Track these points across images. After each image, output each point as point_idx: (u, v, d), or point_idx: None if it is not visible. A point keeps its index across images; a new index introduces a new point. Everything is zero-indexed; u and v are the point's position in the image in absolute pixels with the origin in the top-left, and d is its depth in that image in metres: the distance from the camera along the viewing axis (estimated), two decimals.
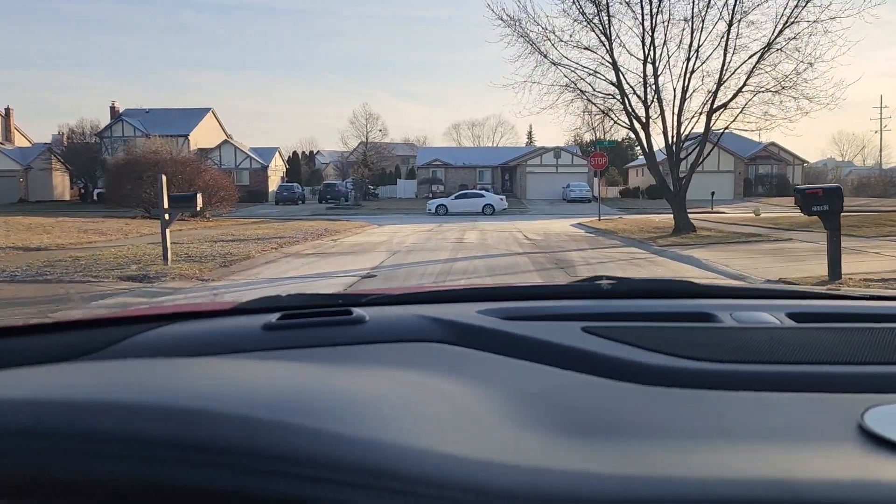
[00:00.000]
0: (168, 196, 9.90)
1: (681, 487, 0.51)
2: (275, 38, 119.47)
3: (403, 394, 0.69)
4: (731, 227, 20.17)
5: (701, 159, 18.09)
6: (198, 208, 9.83)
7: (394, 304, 1.18)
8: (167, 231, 10.00)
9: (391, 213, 37.52)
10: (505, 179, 55.01)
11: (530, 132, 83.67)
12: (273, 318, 1.01)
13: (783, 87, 16.40)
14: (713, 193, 39.17)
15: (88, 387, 0.63)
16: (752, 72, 16.62)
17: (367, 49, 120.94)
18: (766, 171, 52.41)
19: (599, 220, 25.44)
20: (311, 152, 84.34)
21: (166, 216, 9.90)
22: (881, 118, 68.77)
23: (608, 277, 1.37)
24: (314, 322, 1.00)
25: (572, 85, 18.28)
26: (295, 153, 57.52)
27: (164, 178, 9.99)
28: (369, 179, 53.35)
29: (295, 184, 48.15)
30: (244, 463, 0.50)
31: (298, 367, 0.79)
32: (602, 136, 74.68)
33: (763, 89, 16.70)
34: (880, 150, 70.14)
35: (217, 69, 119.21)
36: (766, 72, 16.60)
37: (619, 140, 77.89)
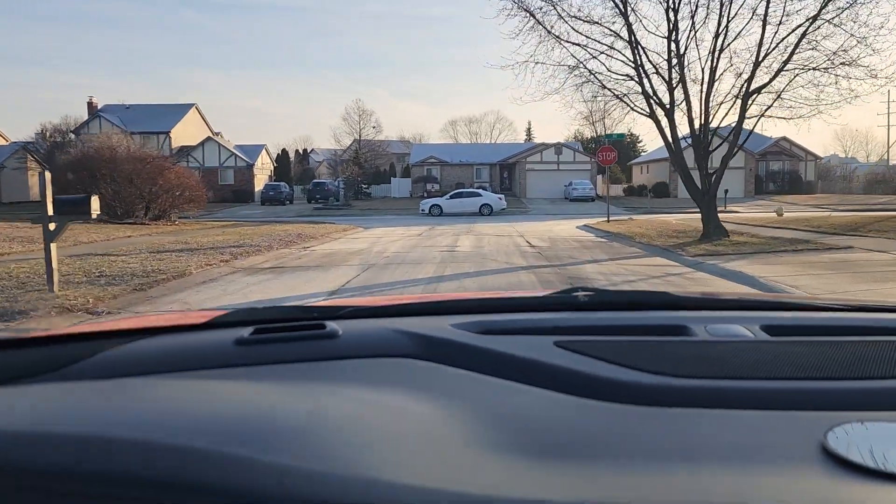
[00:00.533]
0: (53, 199, 7.35)
1: None
2: (274, 36, 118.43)
3: (367, 416, 0.69)
4: (761, 230, 17.65)
5: (735, 150, 15.54)
6: (92, 215, 7.30)
7: (369, 317, 1.18)
8: (52, 246, 7.44)
9: (382, 213, 35.12)
10: (504, 177, 52.47)
11: (529, 129, 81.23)
12: (246, 332, 1.01)
13: (837, 64, 13.83)
14: (727, 191, 36.65)
15: (29, 414, 0.62)
16: (797, 45, 14.06)
17: (367, 47, 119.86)
18: (777, 168, 49.89)
19: (608, 221, 22.95)
20: (304, 150, 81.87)
21: (51, 225, 7.35)
22: (888, 113, 66.23)
23: (584, 289, 1.36)
24: (287, 337, 0.99)
25: (581, 65, 15.74)
26: (284, 151, 54.81)
27: (47, 176, 7.41)
28: (362, 178, 50.80)
29: (282, 183, 45.51)
30: (182, 498, 0.49)
31: (265, 387, 0.78)
32: (604, 131, 72.31)
33: (812, 67, 14.14)
34: (888, 146, 67.73)
35: (216, 67, 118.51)
36: (814, 47, 14.04)
37: (623, 135, 75.87)
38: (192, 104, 50.29)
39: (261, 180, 47.89)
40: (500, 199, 33.49)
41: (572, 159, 47.69)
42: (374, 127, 70.85)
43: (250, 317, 1.15)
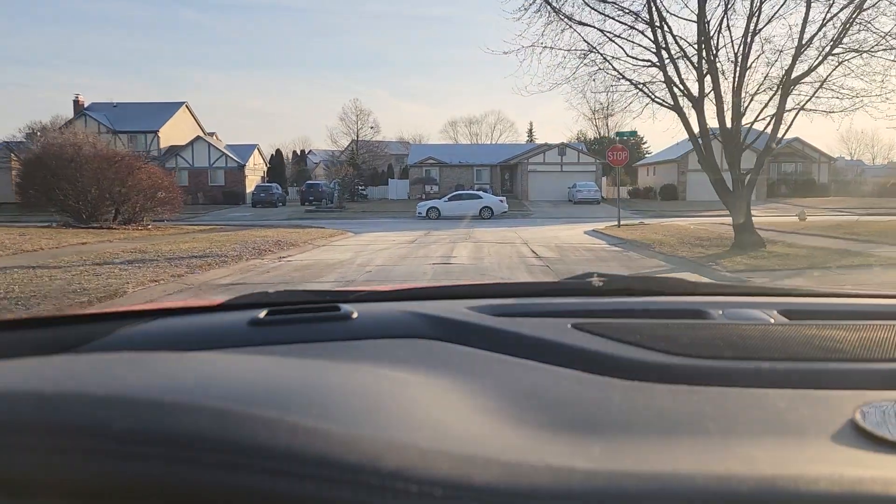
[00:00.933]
0: None
1: (668, 483, 0.50)
2: (273, 37, 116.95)
3: (388, 389, 0.69)
4: (795, 237, 15.79)
5: (775, 144, 13.67)
6: None
7: (382, 301, 1.17)
8: None
9: (376, 216, 33.33)
10: (505, 179, 50.63)
11: (531, 130, 79.36)
12: (260, 313, 1.00)
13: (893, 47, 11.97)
14: None
15: (60, 380, 0.63)
16: (848, 24, 12.19)
17: (367, 47, 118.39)
18: (790, 170, 48.01)
19: (619, 226, 21.12)
20: (301, 151, 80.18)
21: None
22: None
23: (600, 274, 1.35)
24: (301, 318, 0.99)
25: (595, 51, 13.89)
26: (278, 151, 53.14)
27: None
28: (358, 179, 49.06)
29: (274, 184, 43.66)
30: (218, 456, 0.49)
31: (283, 361, 0.78)
32: (608, 131, 70.48)
33: (863, 50, 12.29)
34: None
35: (216, 68, 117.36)
36: (865, 27, 12.19)
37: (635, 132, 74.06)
38: (183, 102, 48.49)
39: (253, 181, 45.99)
40: (502, 201, 31.67)
41: (576, 160, 45.80)
42: (371, 127, 69.15)
43: (264, 299, 1.14)
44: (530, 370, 0.79)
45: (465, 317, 0.99)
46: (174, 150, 45.39)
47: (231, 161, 45.78)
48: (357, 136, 67.94)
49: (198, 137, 45.97)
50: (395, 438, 0.53)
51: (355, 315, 1.00)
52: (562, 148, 46.25)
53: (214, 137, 48.42)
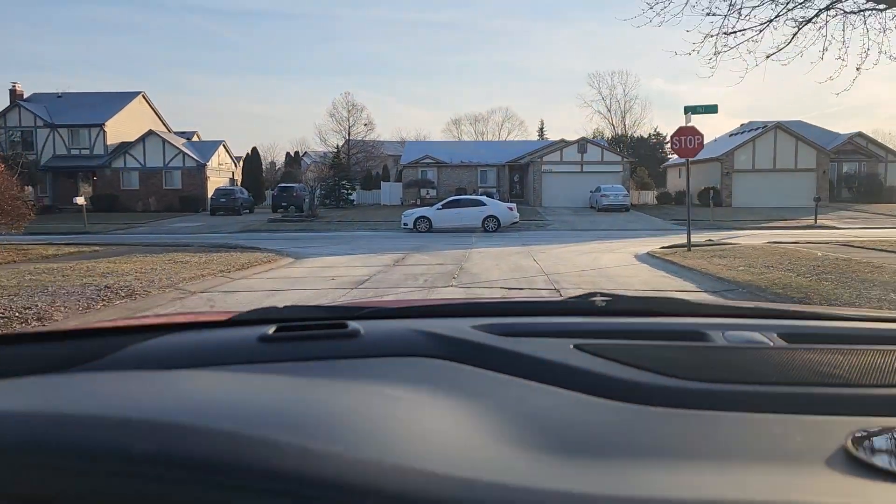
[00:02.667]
0: None
1: None
2: (278, 43, 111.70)
3: (394, 410, 0.70)
4: None
5: None
6: None
7: (389, 318, 1.19)
8: None
9: (353, 227, 26.45)
10: (514, 181, 43.53)
11: (542, 129, 72.22)
12: (269, 329, 1.02)
13: None
14: (818, 199, 27.56)
15: (78, 400, 0.64)
16: None
17: (373, 53, 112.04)
18: (851, 170, 40.69)
19: (689, 249, 14.05)
20: (296, 153, 73.51)
21: None
22: None
23: (602, 294, 1.36)
24: (309, 335, 1.00)
25: None
26: (254, 150, 45.97)
27: None
28: (341, 182, 42.13)
29: (237, 188, 36.60)
30: (230, 479, 0.50)
31: (292, 381, 0.80)
32: (625, 130, 63.11)
33: None
34: None
35: (221, 73, 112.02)
36: None
37: (647, 136, 66.72)
38: (139, 92, 41.41)
39: (219, 184, 38.96)
40: (511, 209, 24.60)
41: (599, 159, 38.51)
42: (365, 124, 61.50)
43: (272, 315, 1.15)
44: (532, 391, 0.81)
45: (469, 336, 1.01)
46: (124, 148, 38.48)
47: (189, 160, 38.76)
48: (349, 134, 61.33)
49: (150, 132, 38.76)
50: (400, 462, 0.54)
51: (362, 332, 1.01)
52: (582, 144, 39.01)
53: (225, 143, 41.34)
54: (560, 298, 1.43)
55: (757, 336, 1.08)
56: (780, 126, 37.36)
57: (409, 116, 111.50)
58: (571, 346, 0.95)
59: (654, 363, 0.87)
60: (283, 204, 35.27)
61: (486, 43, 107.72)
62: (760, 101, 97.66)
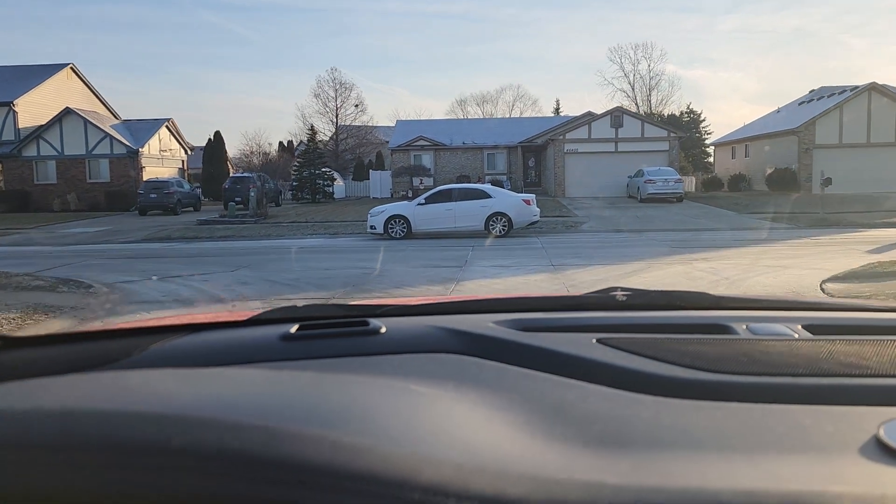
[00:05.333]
0: None
1: (695, 498, 0.52)
2: (289, 37, 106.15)
3: (420, 404, 0.71)
4: None
5: None
6: None
7: (410, 315, 1.18)
8: None
9: (304, 232, 18.95)
10: (528, 166, 35.42)
11: (557, 109, 63.63)
12: (290, 328, 1.02)
13: None
14: None
15: (113, 398, 0.65)
16: None
17: (386, 46, 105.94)
18: None
19: None
20: (289, 142, 65.95)
21: None
22: None
23: (622, 288, 1.33)
24: (331, 333, 1.01)
25: None
26: (217, 134, 37.78)
27: None
28: (324, 171, 34.47)
29: (174, 179, 28.77)
30: (265, 473, 0.51)
31: (318, 377, 0.81)
32: (650, 108, 54.64)
33: None
34: None
35: (235, 67, 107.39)
36: None
37: (678, 114, 58.24)
38: (66, 64, 33.56)
39: (159, 175, 31.03)
40: (528, 203, 16.65)
41: (639, 134, 30.05)
42: (356, 105, 53.52)
43: (293, 314, 1.16)
44: (556, 385, 0.80)
45: (491, 331, 1.01)
46: (38, 133, 30.70)
47: (119, 145, 30.79)
48: (336, 117, 53.37)
49: (67, 111, 30.49)
50: (431, 454, 0.54)
51: (384, 330, 1.01)
52: (616, 115, 30.48)
53: (171, 123, 33.66)
54: (580, 294, 1.39)
55: (781, 328, 1.06)
56: (874, 87, 28.79)
57: (422, 108, 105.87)
58: (594, 341, 0.95)
59: (679, 356, 0.87)
60: (237, 199, 27.47)
61: (500, 33, 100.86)
62: (774, 85, 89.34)
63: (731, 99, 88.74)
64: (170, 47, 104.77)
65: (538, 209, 16.78)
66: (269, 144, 70.00)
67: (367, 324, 1.02)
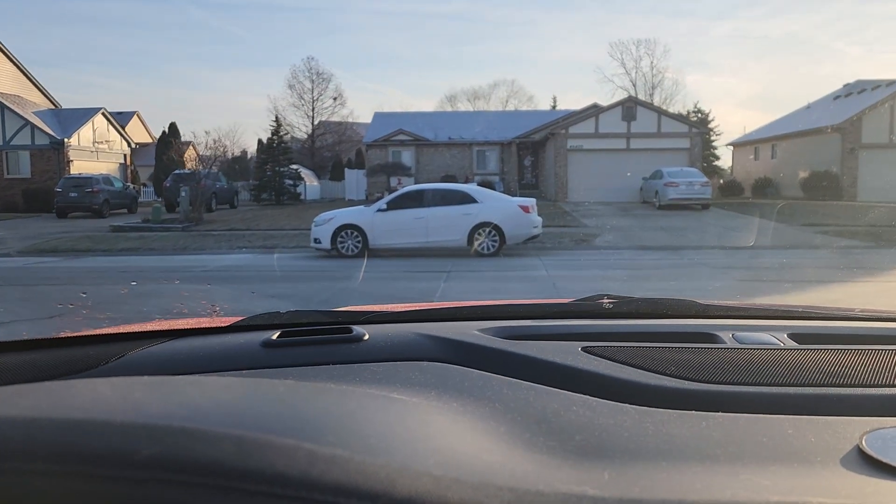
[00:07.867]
0: None
1: None
2: (281, 36, 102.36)
3: (401, 414, 0.70)
4: None
5: None
6: None
7: (394, 322, 1.18)
8: None
9: (237, 245, 14.32)
10: (524, 166, 31.05)
11: (555, 105, 59.34)
12: (272, 335, 1.01)
13: None
14: None
15: (81, 406, 0.64)
16: None
17: (378, 45, 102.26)
18: None
19: None
20: (269, 139, 61.29)
21: None
22: None
23: (609, 296, 1.33)
24: (313, 340, 1.00)
25: None
26: (172, 125, 33.57)
27: None
28: (292, 169, 30.37)
29: (100, 175, 24.06)
30: (237, 483, 0.49)
31: (297, 385, 0.80)
32: (655, 102, 50.62)
33: None
34: None
35: (229, 66, 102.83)
36: None
37: (685, 113, 54.24)
38: None
39: (93, 170, 26.37)
40: (527, 210, 12.31)
41: (655, 129, 25.57)
42: (334, 98, 49.12)
43: (276, 320, 1.14)
44: (541, 395, 0.80)
45: (475, 339, 1.00)
46: None
47: (42, 135, 26.10)
48: (313, 110, 48.82)
49: None
50: (409, 465, 0.53)
51: (367, 337, 1.00)
52: (628, 107, 25.96)
53: (136, 117, 28.72)
54: (566, 301, 1.38)
55: (767, 337, 1.06)
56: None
57: (414, 108, 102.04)
58: (580, 349, 0.94)
59: (664, 366, 0.87)
60: (178, 198, 22.97)
61: (495, 33, 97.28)
62: (767, 90, 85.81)
63: (725, 103, 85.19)
64: (152, 45, 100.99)
65: (540, 219, 12.45)
66: (245, 142, 65.42)
67: (350, 331, 1.02)
